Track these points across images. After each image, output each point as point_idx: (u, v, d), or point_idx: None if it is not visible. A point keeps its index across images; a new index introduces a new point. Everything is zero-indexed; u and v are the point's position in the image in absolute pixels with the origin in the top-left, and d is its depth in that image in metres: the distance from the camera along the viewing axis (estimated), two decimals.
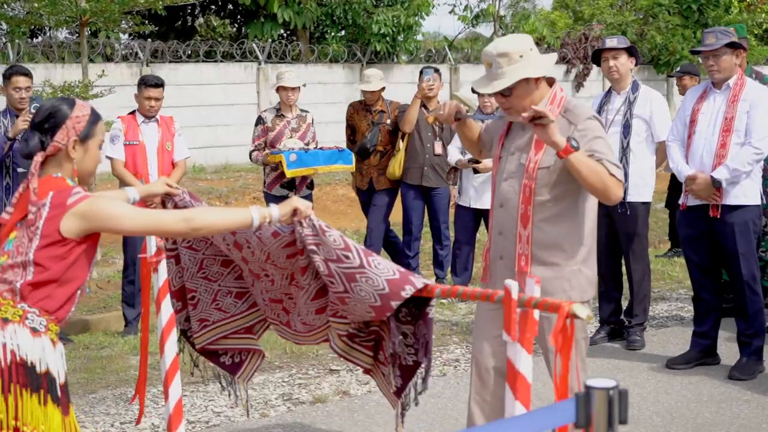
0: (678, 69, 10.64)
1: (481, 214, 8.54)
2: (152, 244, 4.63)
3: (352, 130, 9.56)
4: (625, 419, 2.19)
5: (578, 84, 22.86)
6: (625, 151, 6.78)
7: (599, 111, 6.95)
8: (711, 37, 6.03)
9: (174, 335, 4.74)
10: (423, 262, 10.18)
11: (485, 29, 29.61)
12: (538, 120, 3.89)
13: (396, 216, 9.41)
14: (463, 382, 6.26)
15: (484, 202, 8.36)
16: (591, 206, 4.25)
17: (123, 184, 8.06)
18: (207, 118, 17.17)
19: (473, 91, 8.73)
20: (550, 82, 4.21)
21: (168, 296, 4.65)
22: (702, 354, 6.45)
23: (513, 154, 4.19)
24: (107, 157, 8.11)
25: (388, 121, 9.35)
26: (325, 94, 18.07)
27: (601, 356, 6.73)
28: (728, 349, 6.61)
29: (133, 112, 8.23)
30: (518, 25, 29.73)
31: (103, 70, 10.91)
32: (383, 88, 9.52)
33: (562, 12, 29.48)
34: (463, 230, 8.74)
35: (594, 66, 22.93)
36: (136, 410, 5.89)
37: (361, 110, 9.46)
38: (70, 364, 6.97)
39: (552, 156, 4.04)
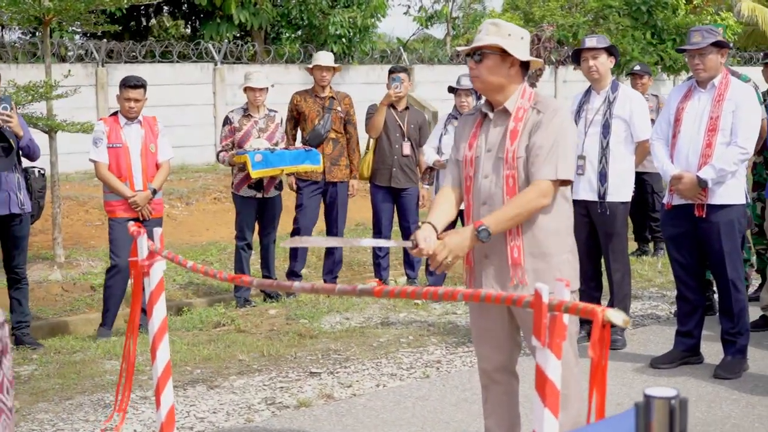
0: (638, 68, 10.59)
1: (458, 214, 8.48)
2: (143, 247, 4.53)
3: (294, 123, 9.37)
4: (685, 429, 2.12)
5: (531, 84, 22.67)
6: (604, 151, 6.77)
7: (579, 110, 6.94)
8: (697, 36, 6.02)
9: (166, 340, 4.63)
10: (392, 263, 10.12)
11: (437, 31, 29.68)
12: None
13: (364, 216, 9.39)
14: (449, 384, 6.22)
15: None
16: (569, 194, 4.21)
17: (107, 186, 7.93)
18: (163, 119, 16.59)
19: (450, 90, 8.74)
20: (522, 77, 4.17)
21: (160, 300, 4.55)
22: (686, 353, 6.45)
23: (489, 151, 4.12)
24: (91, 160, 7.97)
25: (339, 108, 9.24)
26: (281, 95, 17.93)
27: (583, 356, 6.63)
28: (710, 348, 6.62)
29: (115, 114, 8.09)
30: (471, 27, 29.77)
31: (69, 70, 10.74)
32: (339, 68, 9.59)
33: (512, 13, 29.59)
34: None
35: (546, 66, 23.17)
36: (116, 416, 5.76)
37: (309, 97, 9.31)
38: (43, 369, 6.85)
39: (524, 145, 4.02)
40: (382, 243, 4.39)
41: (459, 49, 4.20)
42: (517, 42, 4.07)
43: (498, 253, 4.10)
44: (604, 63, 6.85)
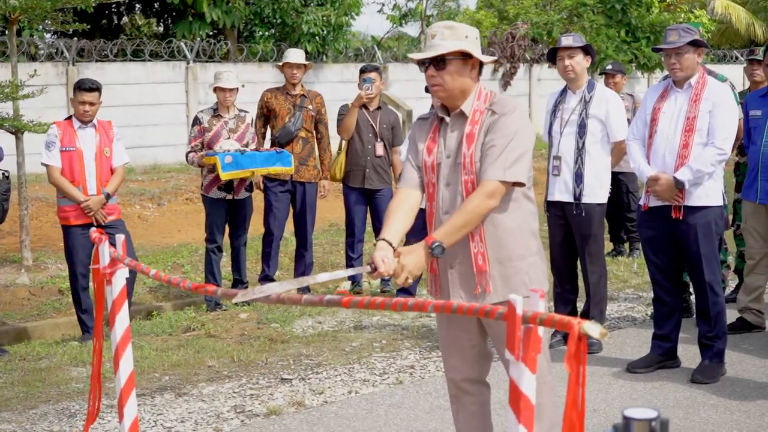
0: (609, 67, 10.42)
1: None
2: (105, 254, 4.38)
3: (264, 120, 9.22)
4: None
5: (506, 83, 22.89)
6: (580, 151, 6.67)
7: (554, 110, 6.84)
8: (674, 35, 5.91)
9: (129, 351, 4.49)
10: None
11: (411, 29, 29.59)
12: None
13: (338, 216, 9.21)
14: (423, 390, 6.11)
15: None
16: (532, 194, 4.07)
17: (60, 191, 7.76)
18: (135, 118, 16.78)
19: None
20: (478, 78, 4.04)
21: (123, 309, 4.41)
22: (662, 357, 6.36)
23: (449, 158, 3.99)
24: (43, 164, 7.81)
25: (311, 106, 9.10)
26: (254, 94, 17.78)
27: (558, 360, 6.54)
28: (687, 351, 6.54)
29: (69, 118, 7.92)
30: None
31: (35, 70, 10.55)
32: (309, 65, 9.37)
33: (487, 11, 29.57)
34: (414, 234, 8.42)
35: (521, 65, 23.14)
36: (80, 425, 5.62)
37: (280, 95, 9.15)
38: (7, 377, 6.69)
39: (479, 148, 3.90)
40: (339, 274, 4.21)
41: (416, 56, 3.97)
42: (475, 42, 3.95)
43: (462, 261, 3.97)
44: (580, 62, 6.75)
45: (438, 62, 3.89)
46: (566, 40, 6.75)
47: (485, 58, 3.97)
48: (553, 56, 6.86)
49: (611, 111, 6.72)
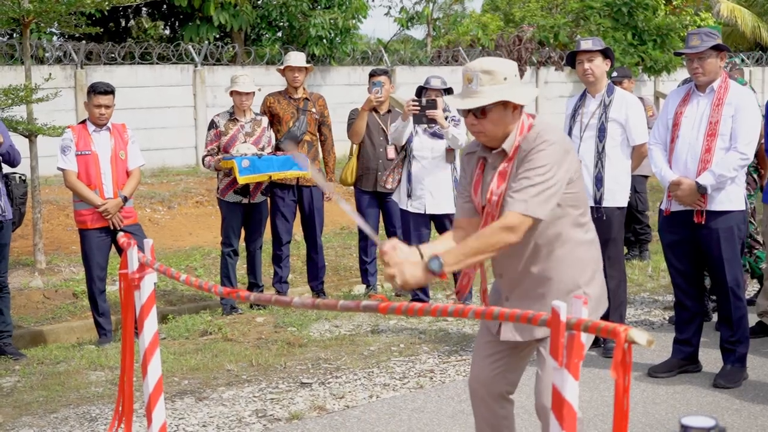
0: (615, 74, 10.19)
1: (434, 219, 8.36)
2: (134, 259, 4.37)
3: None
4: None
5: None
6: (600, 155, 6.64)
7: (574, 114, 6.82)
8: (696, 39, 5.90)
9: (157, 355, 4.48)
10: (379, 267, 9.98)
11: (417, 32, 29.60)
12: None
13: (347, 219, 9.23)
14: (444, 395, 6.10)
15: (441, 207, 8.20)
16: (585, 220, 3.96)
17: (77, 195, 7.76)
18: (143, 121, 16.77)
19: (418, 91, 8.52)
20: (520, 114, 3.87)
21: (151, 314, 4.40)
22: (684, 361, 6.35)
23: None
24: (59, 169, 7.80)
25: (314, 109, 9.09)
26: (260, 97, 17.80)
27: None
28: (707, 355, 6.53)
29: (83, 122, 7.92)
30: (451, 27, 29.70)
31: (50, 74, 10.55)
32: (311, 68, 9.37)
33: (493, 14, 29.54)
34: (417, 240, 8.30)
35: (527, 68, 23.10)
36: (101, 429, 5.62)
37: (283, 99, 9.14)
38: (26, 381, 6.69)
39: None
40: (361, 223, 4.10)
41: (457, 105, 3.82)
42: (515, 82, 3.78)
43: (518, 295, 3.94)
44: (600, 66, 6.72)
45: (478, 110, 3.76)
46: (586, 44, 6.72)
47: (526, 99, 3.81)
48: (572, 60, 6.84)
49: (631, 114, 6.70)
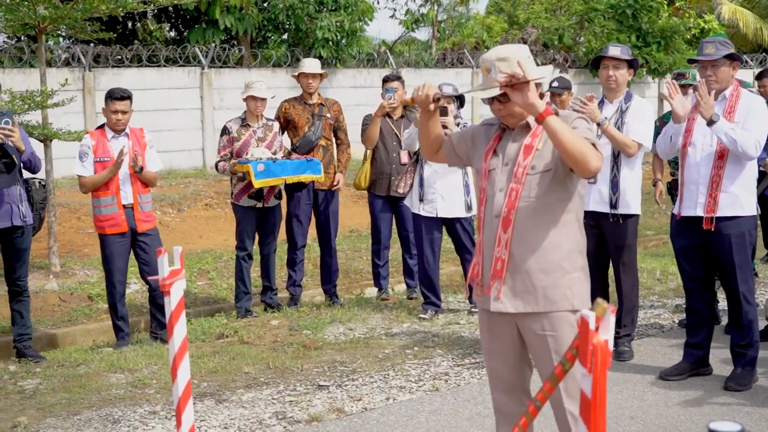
0: (554, 84, 9.62)
1: (446, 223, 8.44)
2: (164, 265, 4.47)
3: (281, 130, 9.25)
4: None
5: None
6: (616, 160, 6.73)
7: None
8: (710, 47, 5.99)
9: (186, 359, 4.59)
10: (391, 271, 10.10)
11: (422, 33, 29.68)
12: (514, 83, 3.81)
13: (357, 222, 9.35)
14: (460, 397, 6.20)
15: (451, 210, 8.29)
16: (581, 216, 4.15)
17: (95, 184, 7.82)
18: (150, 123, 16.79)
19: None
20: (542, 95, 4.09)
21: (180, 319, 4.50)
22: (695, 365, 6.45)
23: (507, 165, 4.08)
24: (78, 175, 7.88)
25: (329, 114, 9.20)
26: (274, 103, 17.89)
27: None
28: (717, 357, 6.63)
29: (101, 127, 7.99)
30: (455, 29, 29.78)
31: (66, 79, 10.67)
32: (325, 74, 9.46)
33: (497, 16, 29.65)
34: (429, 244, 8.44)
35: None
36: (124, 431, 5.72)
37: (298, 105, 9.25)
38: (48, 383, 6.79)
39: (541, 160, 3.97)
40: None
41: (479, 95, 4.07)
42: (530, 63, 3.98)
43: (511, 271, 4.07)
44: (624, 74, 6.76)
45: (501, 95, 3.97)
46: (614, 51, 6.72)
47: (544, 77, 4.02)
48: (597, 63, 6.90)
49: (639, 117, 6.75)
